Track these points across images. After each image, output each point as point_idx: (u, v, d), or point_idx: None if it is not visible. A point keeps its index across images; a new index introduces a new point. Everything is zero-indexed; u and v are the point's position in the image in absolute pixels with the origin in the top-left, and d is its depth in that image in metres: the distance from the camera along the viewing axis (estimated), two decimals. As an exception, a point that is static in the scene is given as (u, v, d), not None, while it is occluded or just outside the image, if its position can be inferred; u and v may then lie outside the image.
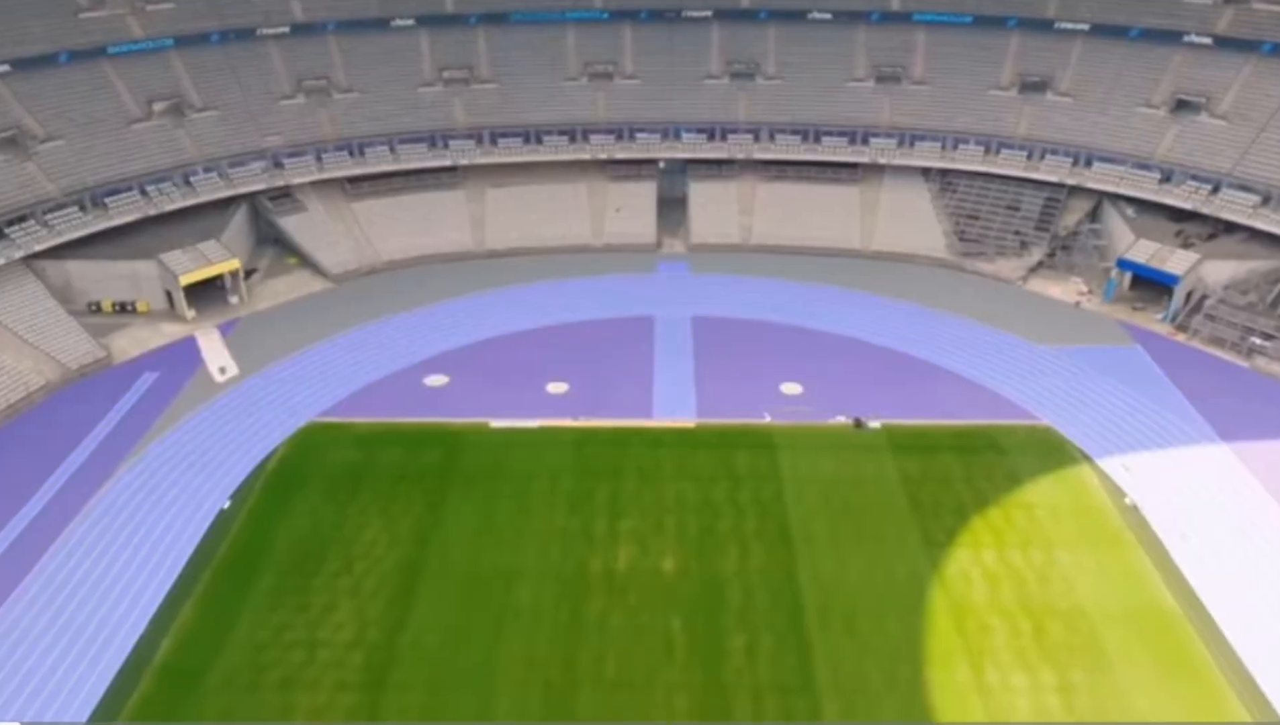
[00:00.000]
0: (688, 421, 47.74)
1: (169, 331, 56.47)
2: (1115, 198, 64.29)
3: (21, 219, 56.53)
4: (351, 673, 33.55)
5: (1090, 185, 64.85)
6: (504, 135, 69.76)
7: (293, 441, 46.34)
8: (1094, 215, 65.59)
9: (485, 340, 55.41)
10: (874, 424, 47.23)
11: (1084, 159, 65.34)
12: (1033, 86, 69.38)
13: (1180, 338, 55.55)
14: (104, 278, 58.21)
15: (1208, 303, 56.11)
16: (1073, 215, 65.70)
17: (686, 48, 73.72)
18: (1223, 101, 64.46)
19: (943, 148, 68.17)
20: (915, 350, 53.98)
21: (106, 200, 59.64)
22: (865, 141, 68.94)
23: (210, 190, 63.24)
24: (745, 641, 34.77)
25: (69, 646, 34.64)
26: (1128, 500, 41.94)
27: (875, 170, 69.48)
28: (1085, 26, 69.43)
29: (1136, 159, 63.94)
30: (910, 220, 67.31)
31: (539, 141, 69.80)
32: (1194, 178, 61.79)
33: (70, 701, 32.54)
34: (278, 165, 66.08)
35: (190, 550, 39.18)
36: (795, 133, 69.72)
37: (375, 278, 63.73)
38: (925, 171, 68.98)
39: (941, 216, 67.24)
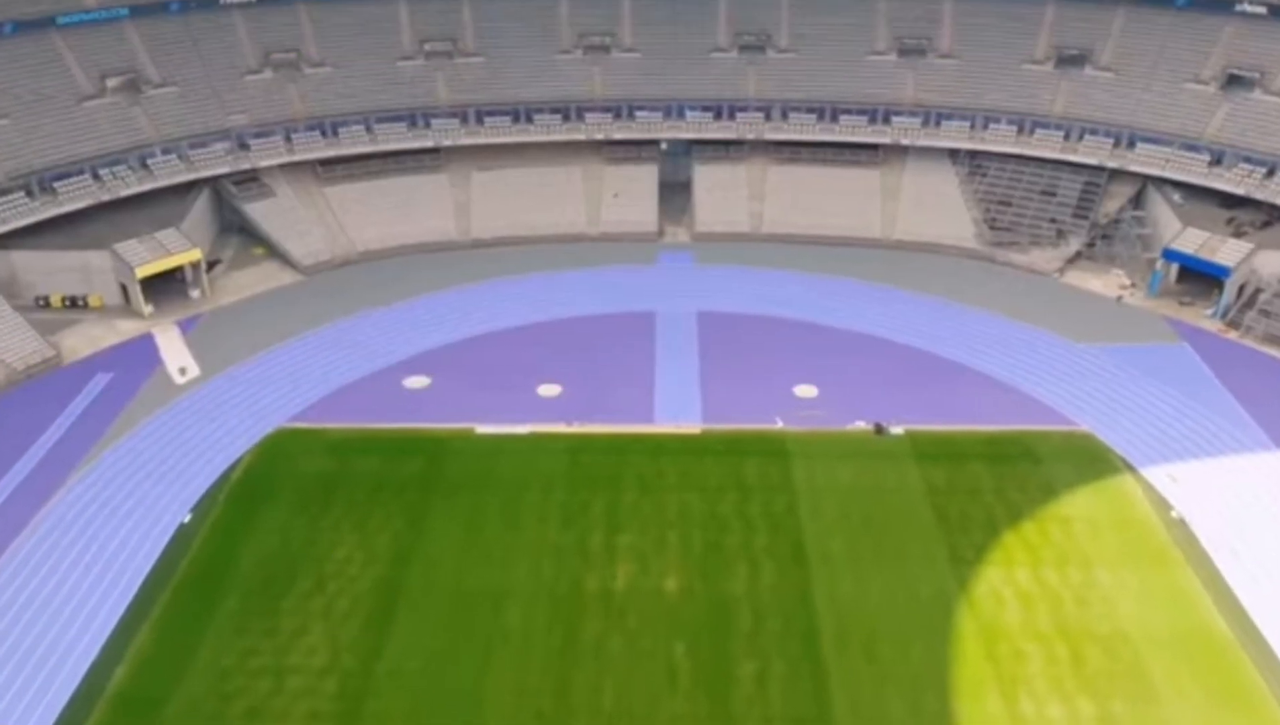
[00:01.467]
0: (692, 427, 47.79)
1: (124, 328, 56.53)
2: (1160, 182, 64.34)
3: (-38, 205, 56.83)
4: (325, 702, 33.51)
5: (1133, 168, 64.93)
6: (491, 114, 69.84)
7: (259, 449, 46.38)
8: (1137, 201, 65.67)
9: (470, 338, 55.49)
10: (896, 430, 47.28)
11: (1126, 139, 65.40)
12: (1070, 60, 69.38)
13: (1232, 335, 55.62)
14: (53, 270, 58.23)
15: (1262, 297, 56.18)
16: (1114, 201, 65.76)
17: (691, 17, 73.78)
18: (1279, 76, 64.49)
19: (971, 127, 68.25)
20: (941, 349, 54.05)
21: (55, 185, 59.68)
22: (887, 120, 69.03)
23: (169, 174, 63.32)
24: (755, 668, 34.75)
25: (15, 673, 34.61)
26: (1174, 513, 41.98)
27: (897, 152, 69.56)
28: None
29: (1184, 139, 64.02)
30: (936, 207, 67.37)
31: (529, 120, 69.88)
32: (1247, 160, 61.87)
33: (16, 733, 32.64)
34: (243, 146, 66.12)
35: (147, 568, 39.17)
36: (810, 111, 69.76)
37: (350, 269, 63.82)
38: (952, 153, 69.03)
39: (970, 203, 67.31)
